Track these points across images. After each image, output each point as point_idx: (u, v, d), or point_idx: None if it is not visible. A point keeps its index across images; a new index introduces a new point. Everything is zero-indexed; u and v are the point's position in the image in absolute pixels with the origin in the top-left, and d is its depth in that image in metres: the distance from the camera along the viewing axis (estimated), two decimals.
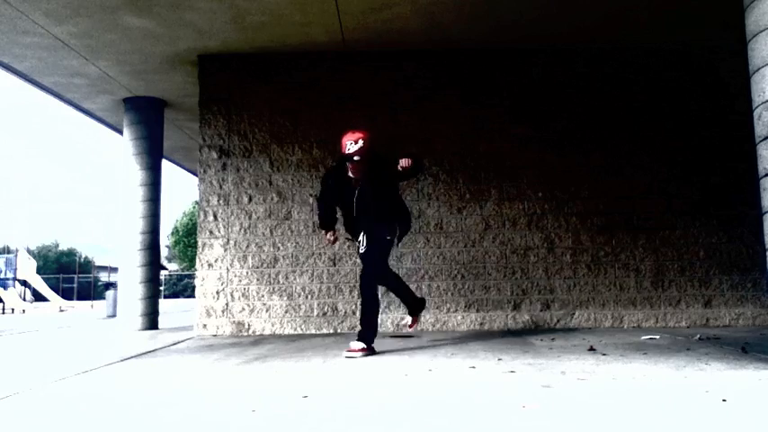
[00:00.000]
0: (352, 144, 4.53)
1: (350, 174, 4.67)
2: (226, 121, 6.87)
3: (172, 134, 9.30)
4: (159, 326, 8.04)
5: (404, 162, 4.45)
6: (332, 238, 4.90)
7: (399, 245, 5.19)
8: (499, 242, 6.68)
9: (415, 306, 5.07)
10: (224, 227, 6.74)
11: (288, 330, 6.58)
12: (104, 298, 16.38)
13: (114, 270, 31.95)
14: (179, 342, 5.90)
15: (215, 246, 6.72)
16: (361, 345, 4.40)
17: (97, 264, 40.59)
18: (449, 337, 5.72)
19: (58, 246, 50.29)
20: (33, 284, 26.50)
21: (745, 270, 6.63)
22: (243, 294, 6.66)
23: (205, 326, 6.62)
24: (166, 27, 6.08)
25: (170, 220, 45.05)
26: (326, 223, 4.91)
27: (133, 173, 7.95)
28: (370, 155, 4.57)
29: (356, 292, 6.61)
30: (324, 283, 6.64)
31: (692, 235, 6.68)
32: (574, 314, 6.59)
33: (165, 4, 5.63)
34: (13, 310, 19.45)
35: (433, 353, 4.52)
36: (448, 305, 6.60)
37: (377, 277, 4.74)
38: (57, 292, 29.83)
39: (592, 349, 4.46)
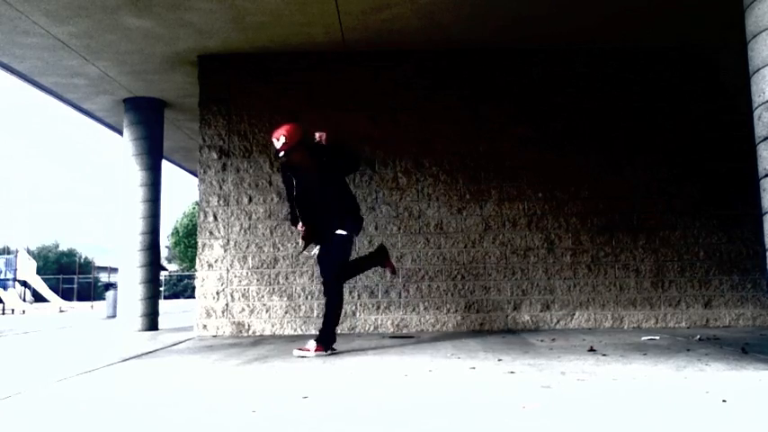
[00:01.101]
0: (276, 141, 4.61)
1: (300, 164, 4.70)
2: (226, 121, 6.87)
3: (172, 134, 9.30)
4: (159, 326, 8.04)
5: (318, 135, 4.58)
6: (302, 229, 4.80)
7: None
8: (499, 242, 6.68)
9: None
10: (224, 227, 6.74)
11: (288, 331, 6.58)
12: (104, 298, 16.38)
13: (114, 271, 31.91)
14: (179, 342, 5.90)
15: (215, 246, 6.72)
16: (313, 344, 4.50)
17: (97, 264, 40.53)
18: (449, 338, 5.72)
19: (58, 246, 50.21)
20: (33, 285, 26.47)
21: (745, 270, 6.63)
22: (243, 295, 6.65)
23: (205, 326, 6.62)
24: (166, 27, 6.08)
25: (170, 220, 45.03)
26: (294, 219, 4.88)
27: (133, 173, 7.95)
28: (300, 146, 4.59)
29: (356, 293, 6.62)
30: None
31: (692, 235, 6.68)
32: (574, 315, 6.59)
33: (165, 5, 5.63)
34: (13, 310, 19.44)
35: (433, 353, 4.52)
36: (448, 305, 6.60)
37: (337, 277, 4.70)
38: (57, 292, 29.78)
39: (592, 350, 4.46)
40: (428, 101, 6.84)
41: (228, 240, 6.72)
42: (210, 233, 6.74)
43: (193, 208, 38.68)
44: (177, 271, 41.90)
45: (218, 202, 6.77)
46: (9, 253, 28.22)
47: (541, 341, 5.21)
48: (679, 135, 6.80)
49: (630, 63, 6.92)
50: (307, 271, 6.66)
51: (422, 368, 3.73)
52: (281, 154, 4.62)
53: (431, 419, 2.35)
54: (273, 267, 6.68)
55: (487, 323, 6.57)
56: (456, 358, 4.18)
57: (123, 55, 6.72)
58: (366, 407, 2.63)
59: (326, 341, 4.56)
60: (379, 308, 6.54)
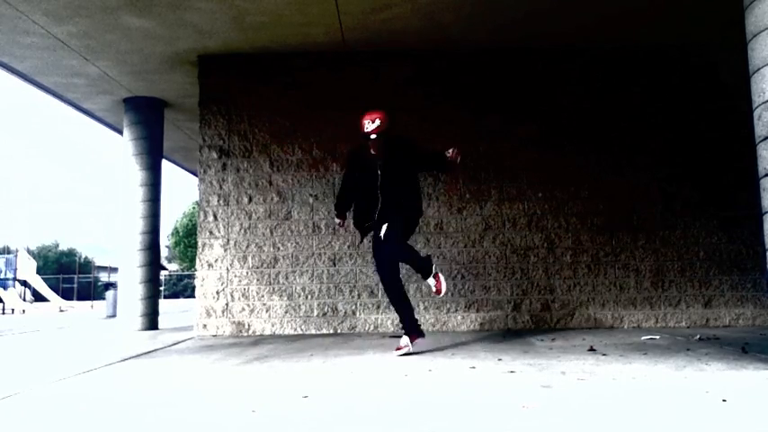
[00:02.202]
0: (369, 123, 4.68)
1: (372, 152, 4.76)
2: (226, 121, 6.87)
3: (172, 134, 9.30)
4: (159, 326, 8.04)
5: (452, 153, 4.70)
6: (341, 222, 5.08)
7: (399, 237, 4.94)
8: (499, 242, 6.68)
9: (426, 269, 4.81)
10: (224, 227, 6.74)
11: (288, 331, 6.58)
12: (104, 298, 16.38)
13: (114, 270, 31.90)
14: (179, 342, 5.90)
15: (215, 246, 6.72)
16: (407, 339, 4.55)
17: (97, 264, 40.53)
18: (449, 337, 5.71)
19: (58, 246, 50.26)
20: (33, 285, 26.46)
21: (745, 270, 6.63)
22: (243, 294, 6.65)
23: (205, 326, 6.62)
24: (166, 27, 6.08)
25: (170, 220, 45.03)
26: (341, 207, 5.03)
27: (133, 173, 7.95)
28: (388, 135, 4.70)
29: (356, 292, 6.62)
30: (324, 284, 6.64)
31: (692, 235, 6.68)
32: (574, 314, 6.59)
33: (165, 4, 5.63)
34: (13, 310, 19.45)
35: (433, 353, 4.52)
36: (448, 305, 6.60)
37: (392, 263, 4.80)
38: (57, 292, 29.78)
39: (592, 349, 4.46)
40: (428, 101, 6.83)
41: (228, 240, 6.72)
42: (210, 233, 6.74)
43: (193, 208, 38.68)
44: (177, 271, 41.91)
45: (218, 201, 6.77)
46: (9, 253, 28.21)
47: (541, 341, 5.21)
48: (679, 135, 6.80)
49: (630, 63, 6.92)
50: (307, 271, 6.66)
51: (422, 368, 3.73)
52: (373, 136, 4.65)
53: (431, 419, 2.35)
54: (273, 267, 6.68)
55: (487, 323, 6.57)
56: (456, 358, 4.18)
57: (123, 55, 6.72)
58: (366, 407, 2.63)
59: (412, 330, 4.61)
60: (379, 307, 6.54)
